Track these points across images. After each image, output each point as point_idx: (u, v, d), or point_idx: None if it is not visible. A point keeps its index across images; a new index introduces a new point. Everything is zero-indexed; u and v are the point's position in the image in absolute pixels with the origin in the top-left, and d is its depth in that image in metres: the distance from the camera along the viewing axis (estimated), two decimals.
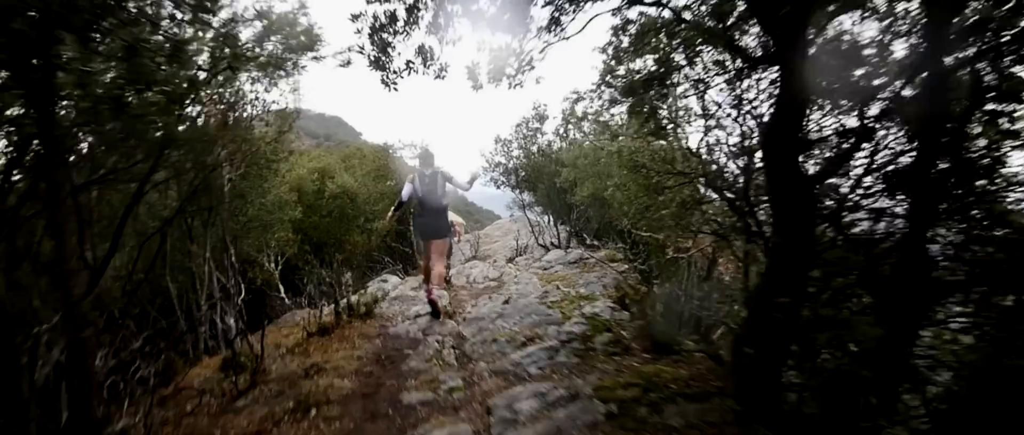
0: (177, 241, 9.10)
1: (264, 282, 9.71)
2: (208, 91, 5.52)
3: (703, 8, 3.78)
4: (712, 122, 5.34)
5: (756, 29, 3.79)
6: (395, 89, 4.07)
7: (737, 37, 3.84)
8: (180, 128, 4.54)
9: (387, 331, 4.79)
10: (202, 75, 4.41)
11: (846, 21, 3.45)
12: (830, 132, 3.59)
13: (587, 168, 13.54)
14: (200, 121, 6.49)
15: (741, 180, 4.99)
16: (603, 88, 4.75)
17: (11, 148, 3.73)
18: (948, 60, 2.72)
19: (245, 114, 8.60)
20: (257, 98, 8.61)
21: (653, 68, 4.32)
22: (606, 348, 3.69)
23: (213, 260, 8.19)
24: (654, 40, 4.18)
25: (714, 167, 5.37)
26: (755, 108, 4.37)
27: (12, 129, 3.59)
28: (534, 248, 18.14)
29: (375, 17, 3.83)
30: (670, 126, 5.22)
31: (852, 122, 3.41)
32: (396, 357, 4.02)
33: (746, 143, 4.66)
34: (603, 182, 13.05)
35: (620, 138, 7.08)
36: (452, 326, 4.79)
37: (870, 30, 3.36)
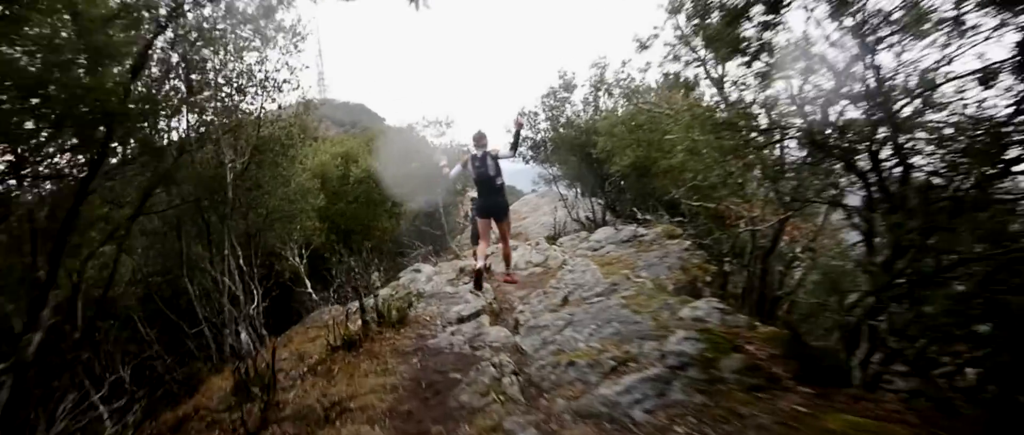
0: (196, 239, 8.53)
1: (291, 276, 9.07)
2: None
3: None
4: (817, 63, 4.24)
5: None
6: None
7: None
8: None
9: (426, 344, 3.94)
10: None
11: None
12: None
13: (626, 136, 12.39)
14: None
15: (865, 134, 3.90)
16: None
17: None
18: None
19: (248, 96, 7.85)
20: (262, 74, 7.84)
21: None
22: (741, 379, 2.53)
23: (232, 258, 7.55)
24: None
25: (824, 119, 4.25)
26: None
27: None
28: (568, 224, 17.20)
29: None
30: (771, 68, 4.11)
31: None
32: (441, 385, 3.16)
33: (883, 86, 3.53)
34: (645, 150, 11.89)
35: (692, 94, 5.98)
36: (505, 336, 3.92)
37: None
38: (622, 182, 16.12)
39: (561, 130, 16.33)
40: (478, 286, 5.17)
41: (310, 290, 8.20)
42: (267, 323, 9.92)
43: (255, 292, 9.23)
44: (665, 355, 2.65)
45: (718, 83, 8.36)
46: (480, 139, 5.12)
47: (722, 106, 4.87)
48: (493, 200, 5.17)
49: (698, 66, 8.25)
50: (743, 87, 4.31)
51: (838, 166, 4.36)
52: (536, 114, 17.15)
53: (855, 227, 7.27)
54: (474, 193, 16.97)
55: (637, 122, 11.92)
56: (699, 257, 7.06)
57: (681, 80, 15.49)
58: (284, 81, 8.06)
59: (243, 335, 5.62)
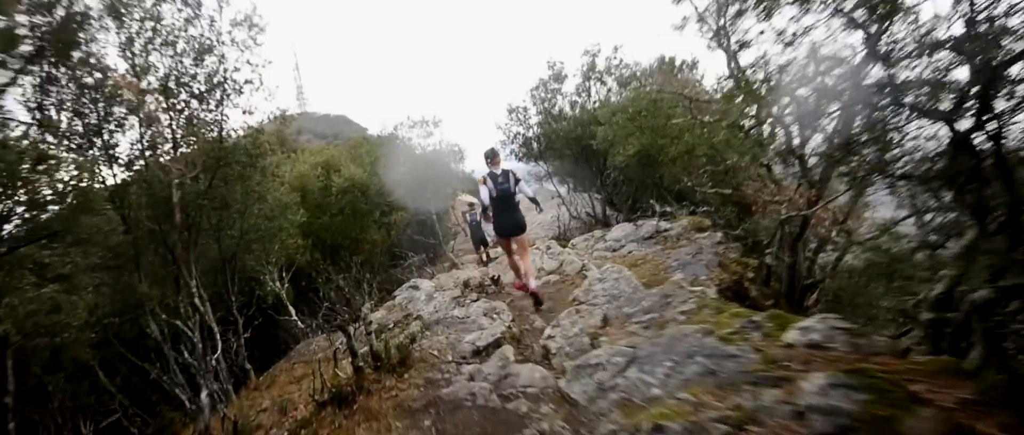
0: (160, 273, 7.49)
1: (274, 302, 8.04)
2: None
3: None
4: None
5: None
6: None
7: None
8: None
9: (439, 395, 2.98)
10: None
11: None
12: None
13: (627, 124, 11.54)
14: None
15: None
16: None
17: None
18: None
19: (208, 103, 6.84)
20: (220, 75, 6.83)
21: None
22: None
23: (196, 294, 6.54)
24: None
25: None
26: None
27: None
28: (570, 221, 16.34)
29: None
30: None
31: None
32: None
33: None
34: (649, 138, 11.05)
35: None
36: (541, 378, 2.96)
37: None
38: (621, 174, 15.32)
39: (554, 124, 15.47)
40: (540, 303, 5.01)
41: (295, 317, 7.20)
42: (251, 355, 8.92)
43: (235, 324, 8.25)
44: (805, 413, 1.76)
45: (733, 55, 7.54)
46: (495, 157, 5.01)
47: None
48: (511, 217, 4.96)
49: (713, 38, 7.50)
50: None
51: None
52: (526, 109, 16.29)
53: (912, 204, 6.46)
54: (467, 197, 16.04)
55: (638, 108, 11.09)
56: (734, 250, 6.23)
57: (679, 63, 14.79)
58: (246, 81, 7.07)
59: (203, 394, 4.61)
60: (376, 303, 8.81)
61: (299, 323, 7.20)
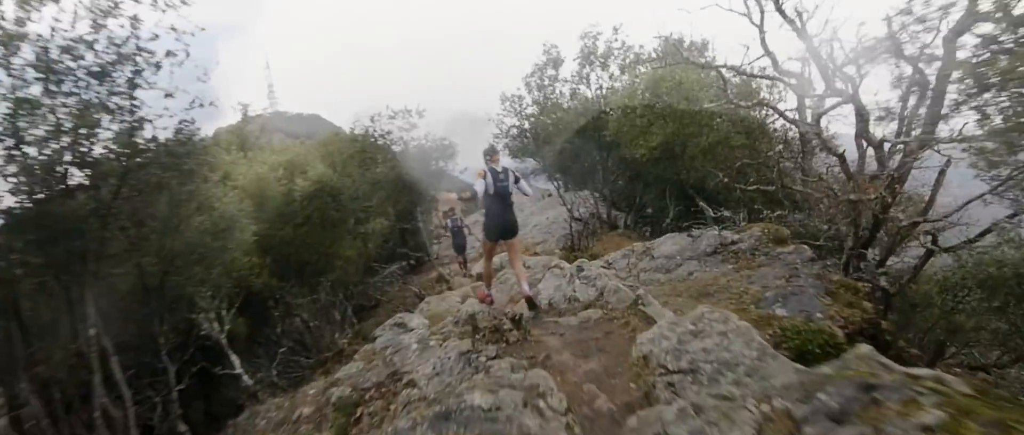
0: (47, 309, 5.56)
1: (214, 342, 6.12)
2: None
3: None
4: None
5: None
6: None
7: None
8: None
9: None
10: None
11: None
12: None
13: (646, 112, 9.93)
14: None
15: None
16: None
17: None
18: None
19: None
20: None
21: None
22: None
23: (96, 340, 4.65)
24: None
25: None
26: None
27: None
28: (569, 222, 14.63)
29: None
30: None
31: None
32: None
33: None
34: (676, 127, 9.46)
35: None
36: None
37: None
38: (630, 171, 13.77)
39: (552, 115, 13.84)
40: (533, 307, 4.73)
41: (239, 369, 5.36)
42: (191, 407, 7.01)
43: (165, 373, 6.34)
44: None
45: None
46: (493, 154, 4.88)
47: None
48: (505, 218, 4.78)
49: None
50: None
51: None
52: (520, 98, 14.59)
53: None
54: (449, 195, 14.29)
55: (658, 91, 9.50)
56: (829, 268, 4.67)
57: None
58: (168, 53, 5.21)
59: None
60: (351, 338, 7.03)
61: (244, 378, 5.35)
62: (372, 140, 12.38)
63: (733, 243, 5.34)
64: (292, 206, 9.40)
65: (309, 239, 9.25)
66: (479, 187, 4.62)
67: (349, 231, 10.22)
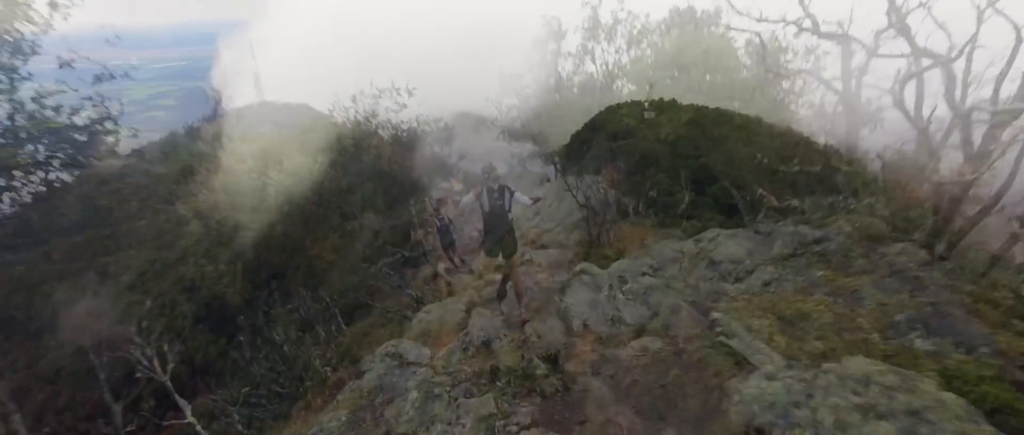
0: None
1: (158, 387, 4.89)
2: None
3: None
4: None
5: None
6: None
7: None
8: None
9: None
10: None
11: None
12: None
13: (671, 84, 8.76)
14: None
15: None
16: None
17: None
18: None
19: None
20: None
21: None
22: None
23: None
24: None
25: None
26: None
27: None
28: (570, 209, 13.46)
29: None
30: None
31: None
32: None
33: None
34: (706, 99, 8.29)
35: None
36: None
37: None
38: (642, 156, 12.62)
39: (555, 95, 12.66)
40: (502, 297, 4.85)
41: (190, 418, 4.21)
42: None
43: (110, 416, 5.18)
44: None
45: None
46: (492, 171, 4.74)
47: None
48: (503, 237, 4.58)
49: None
50: None
51: None
52: (520, 76, 13.35)
53: None
54: (441, 183, 13.14)
55: (683, 61, 8.33)
56: (951, 274, 3.60)
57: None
58: None
59: None
60: (337, 362, 5.90)
61: (197, 427, 4.20)
62: (357, 124, 11.12)
63: (816, 242, 4.25)
64: (265, 203, 8.18)
65: (285, 240, 8.05)
66: (467, 199, 4.81)
67: (334, 228, 9.03)
